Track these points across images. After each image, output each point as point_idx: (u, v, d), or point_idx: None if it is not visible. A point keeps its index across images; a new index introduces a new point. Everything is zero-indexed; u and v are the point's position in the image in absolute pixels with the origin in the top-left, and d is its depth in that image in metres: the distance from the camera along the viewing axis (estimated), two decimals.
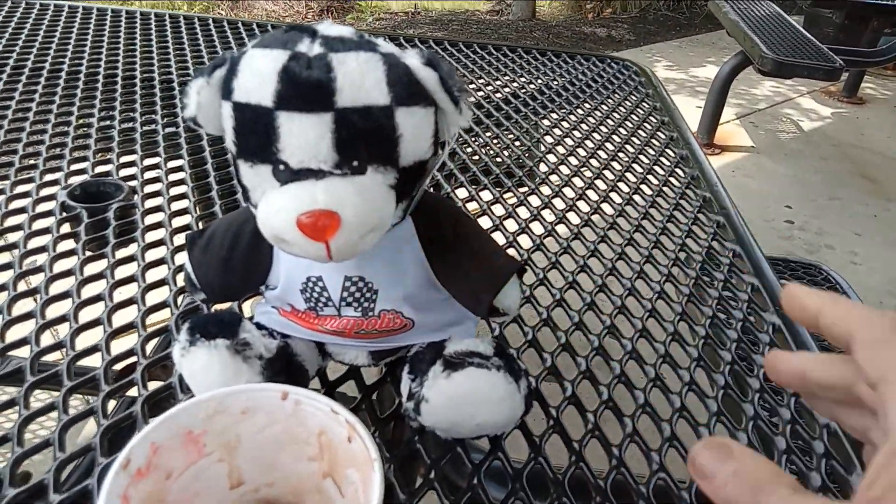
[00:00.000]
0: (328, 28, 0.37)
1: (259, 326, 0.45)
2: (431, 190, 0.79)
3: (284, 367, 0.44)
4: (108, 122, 0.84)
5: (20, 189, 0.69)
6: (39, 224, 0.64)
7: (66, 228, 0.65)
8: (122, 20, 1.20)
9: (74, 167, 0.74)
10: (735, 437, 0.49)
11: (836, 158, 3.01)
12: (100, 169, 0.75)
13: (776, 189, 2.68)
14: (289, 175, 0.36)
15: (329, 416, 0.34)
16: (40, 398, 0.46)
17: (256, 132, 0.35)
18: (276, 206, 0.35)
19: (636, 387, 0.52)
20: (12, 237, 0.62)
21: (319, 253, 0.36)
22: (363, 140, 0.35)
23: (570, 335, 0.57)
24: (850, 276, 1.22)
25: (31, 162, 0.74)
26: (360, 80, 0.34)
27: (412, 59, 0.36)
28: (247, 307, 0.54)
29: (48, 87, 0.93)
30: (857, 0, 3.00)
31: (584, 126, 0.97)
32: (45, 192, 0.70)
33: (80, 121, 0.84)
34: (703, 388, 0.52)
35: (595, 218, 0.74)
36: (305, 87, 0.34)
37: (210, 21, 1.23)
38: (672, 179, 0.83)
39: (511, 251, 0.67)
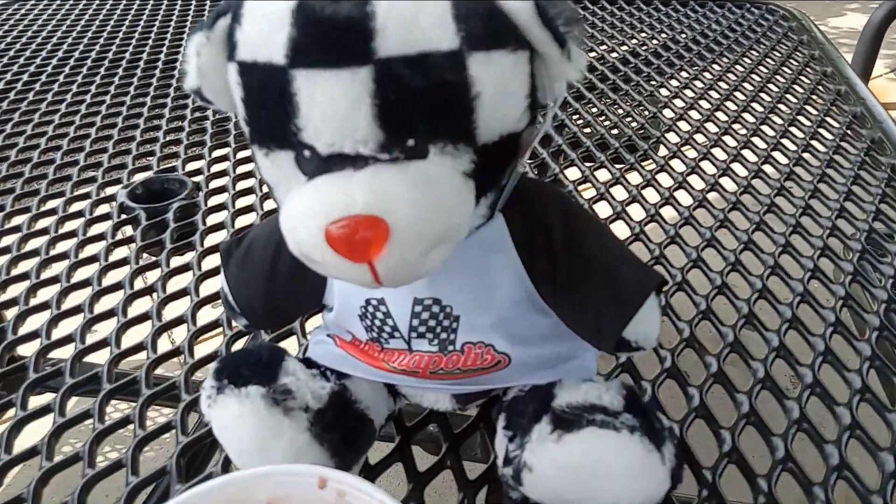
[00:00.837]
0: None
1: (309, 364, 0.35)
2: (530, 174, 0.66)
3: (339, 418, 0.33)
4: (179, 112, 0.77)
5: (82, 190, 0.63)
6: (95, 229, 0.58)
7: (124, 231, 0.58)
8: (206, 3, 1.15)
9: (139, 163, 0.68)
10: None
11: None
12: (167, 164, 0.68)
13: None
14: (317, 164, 0.25)
15: None
16: (64, 451, 0.39)
17: (267, 103, 0.25)
18: (298, 212, 0.25)
19: (827, 439, 0.37)
20: (65, 245, 0.56)
21: (362, 278, 0.25)
22: (420, 106, 0.24)
23: (724, 361, 0.43)
24: None
25: (97, 160, 0.69)
26: (412, 14, 0.23)
27: None
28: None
29: (125, 77, 0.88)
30: None
31: (721, 85, 0.81)
32: (106, 191, 0.63)
33: (153, 112, 0.78)
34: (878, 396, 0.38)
35: (746, 199, 0.59)
36: (330, 30, 0.23)
37: None
38: (844, 145, 0.66)
39: (637, 248, 0.53)
